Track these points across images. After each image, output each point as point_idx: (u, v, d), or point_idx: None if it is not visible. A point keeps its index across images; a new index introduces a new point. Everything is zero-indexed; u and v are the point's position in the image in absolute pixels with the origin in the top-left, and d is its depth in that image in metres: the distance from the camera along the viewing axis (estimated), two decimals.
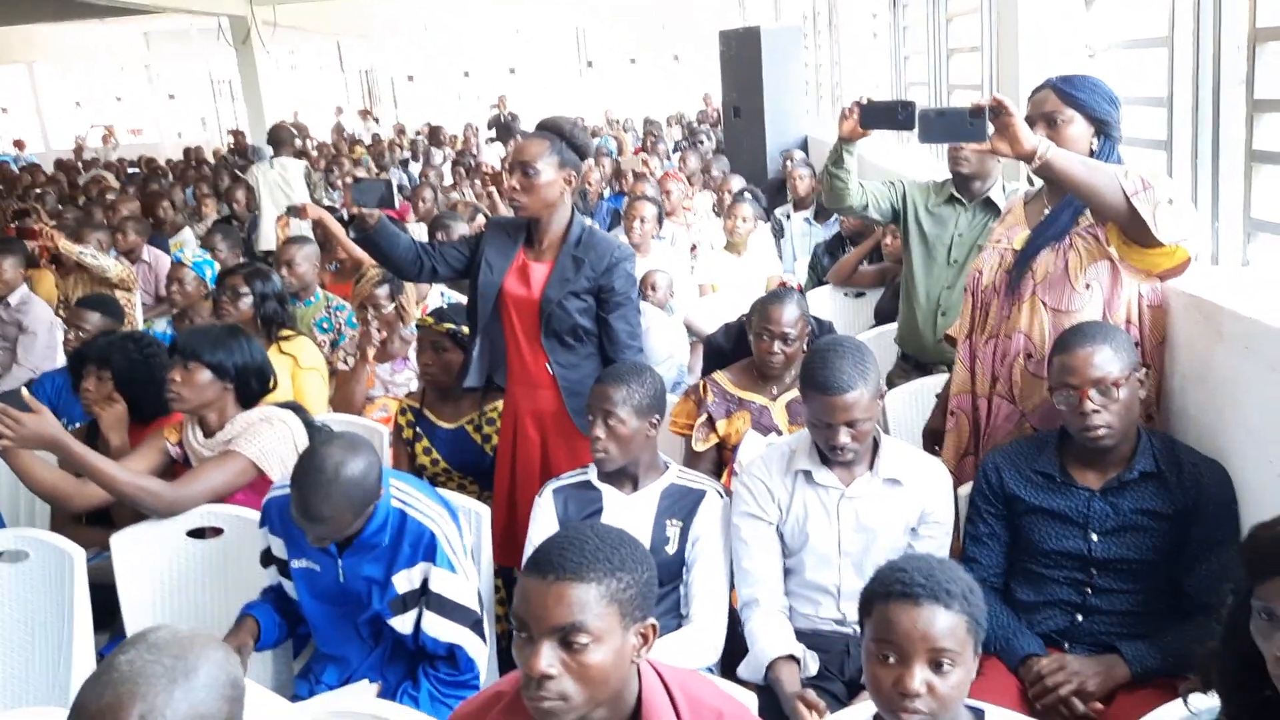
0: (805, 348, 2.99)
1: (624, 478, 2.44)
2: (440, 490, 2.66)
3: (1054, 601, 2.18)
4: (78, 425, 3.25)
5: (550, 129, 2.76)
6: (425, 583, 2.25)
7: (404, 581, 2.25)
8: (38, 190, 11.01)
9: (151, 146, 19.34)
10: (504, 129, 14.09)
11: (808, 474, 2.31)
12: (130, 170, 14.05)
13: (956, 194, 3.28)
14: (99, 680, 1.26)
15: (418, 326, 3.20)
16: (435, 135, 13.03)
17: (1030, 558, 2.20)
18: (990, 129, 2.08)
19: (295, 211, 5.12)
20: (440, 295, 4.47)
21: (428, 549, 2.25)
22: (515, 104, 15.24)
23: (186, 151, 15.75)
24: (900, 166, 5.16)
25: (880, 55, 6.46)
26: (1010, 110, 2.05)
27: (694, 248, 5.96)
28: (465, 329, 3.00)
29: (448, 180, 9.52)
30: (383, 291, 3.80)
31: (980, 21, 4.08)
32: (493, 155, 11.66)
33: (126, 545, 2.55)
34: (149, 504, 2.52)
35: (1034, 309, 2.34)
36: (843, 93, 7.34)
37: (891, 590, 1.45)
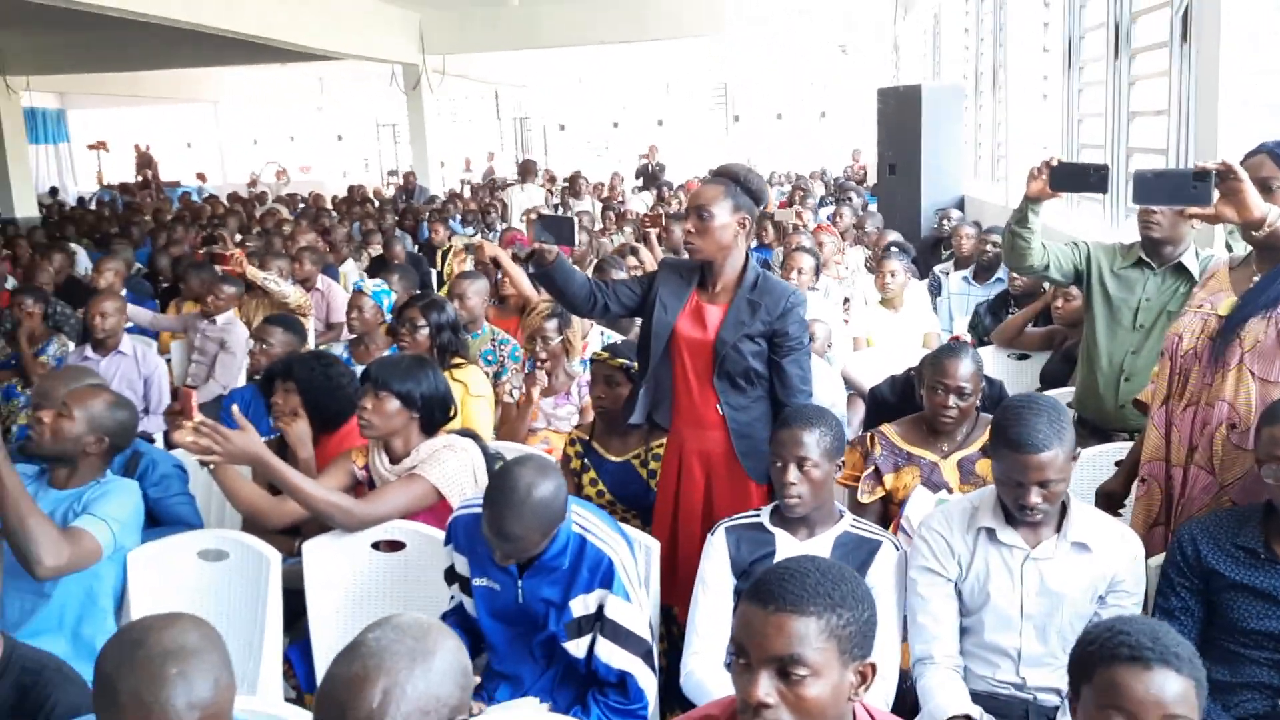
0: (979, 405, 2.96)
1: (799, 523, 2.44)
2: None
3: (1253, 684, 2.08)
4: (267, 439, 3.45)
5: (725, 175, 2.82)
6: (601, 609, 2.30)
7: (580, 606, 2.30)
8: (216, 219, 11.79)
9: (318, 183, 20.43)
10: (651, 178, 14.35)
11: (991, 532, 2.27)
12: (299, 204, 14.87)
13: (1145, 258, 3.19)
14: (350, 654, 1.34)
15: (592, 360, 3.29)
16: (574, 184, 13.39)
17: (1228, 636, 2.11)
18: (1215, 194, 2.03)
19: (473, 249, 5.33)
20: (600, 335, 4.58)
21: (605, 576, 2.30)
22: (663, 155, 15.52)
23: (350, 189, 16.59)
24: (1067, 227, 5.05)
25: (1051, 116, 6.34)
26: (1240, 175, 2.00)
27: (846, 302, 5.94)
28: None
29: (597, 225, 9.76)
30: (551, 325, 3.91)
31: (1170, 84, 3.98)
32: (640, 203, 11.88)
33: (316, 552, 2.69)
34: (339, 519, 2.65)
35: (1240, 378, 2.26)
36: (1006, 153, 7.22)
37: (1118, 653, 1.41)
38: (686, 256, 2.86)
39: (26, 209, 14.17)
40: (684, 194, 12.32)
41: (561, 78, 21.51)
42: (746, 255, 2.85)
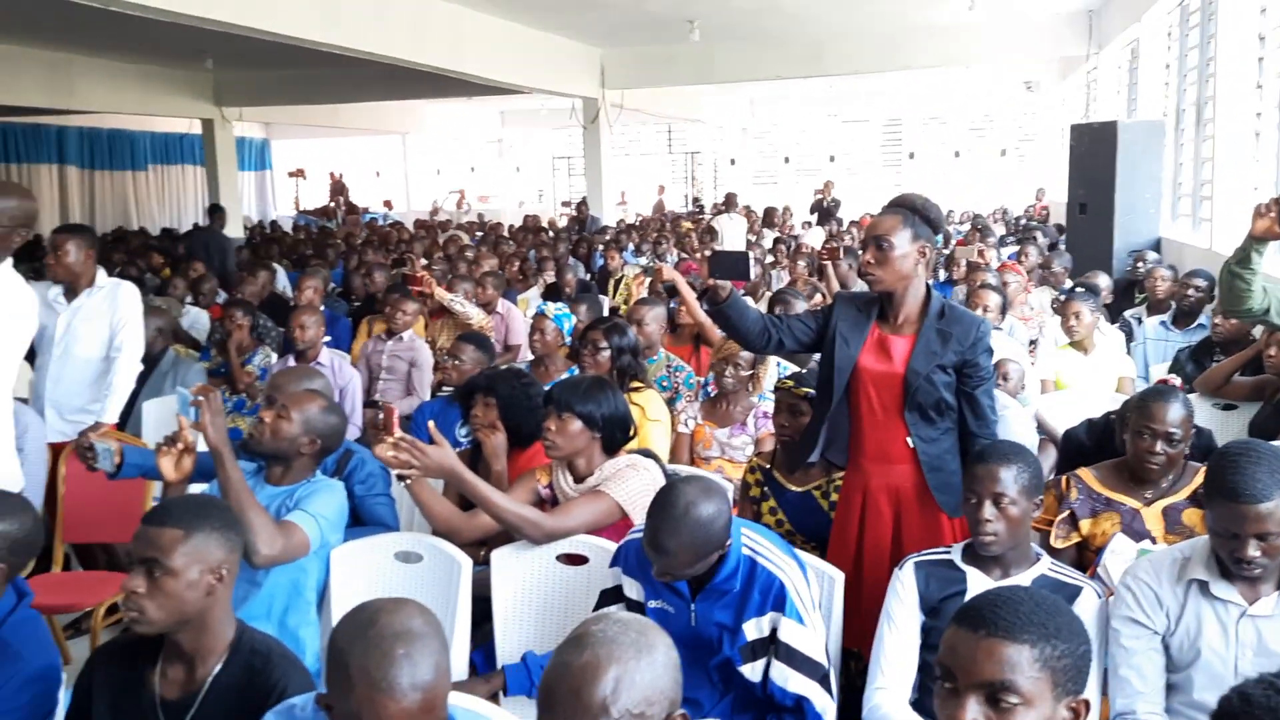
0: (1187, 452, 2.80)
1: (993, 562, 2.36)
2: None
3: None
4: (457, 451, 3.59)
5: (903, 204, 2.78)
6: (774, 632, 2.28)
7: (753, 629, 2.29)
8: (403, 243, 12.39)
9: (495, 212, 21.23)
10: (826, 214, 14.26)
11: (1204, 585, 2.14)
12: (477, 232, 15.48)
13: None
14: (578, 643, 1.38)
15: (776, 389, 3.28)
16: (769, 217, 13.45)
17: None
18: None
19: (654, 273, 5.42)
20: (777, 365, 4.57)
21: (777, 598, 2.28)
22: (836, 191, 15.41)
23: (526, 218, 17.16)
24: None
25: (1265, 155, 5.97)
26: None
27: (1033, 344, 5.73)
28: None
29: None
30: (747, 356, 3.91)
31: None
32: (815, 238, 11.83)
33: (504, 561, 2.78)
34: (528, 531, 2.72)
35: None
36: (1211, 194, 6.83)
37: None
38: (865, 289, 2.83)
39: (234, 230, 15.25)
40: (857, 230, 12.19)
41: (735, 113, 21.67)
42: (928, 285, 2.81)
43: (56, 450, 4.00)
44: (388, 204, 21.55)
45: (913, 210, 2.74)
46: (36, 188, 17.04)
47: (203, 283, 8.12)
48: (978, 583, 2.35)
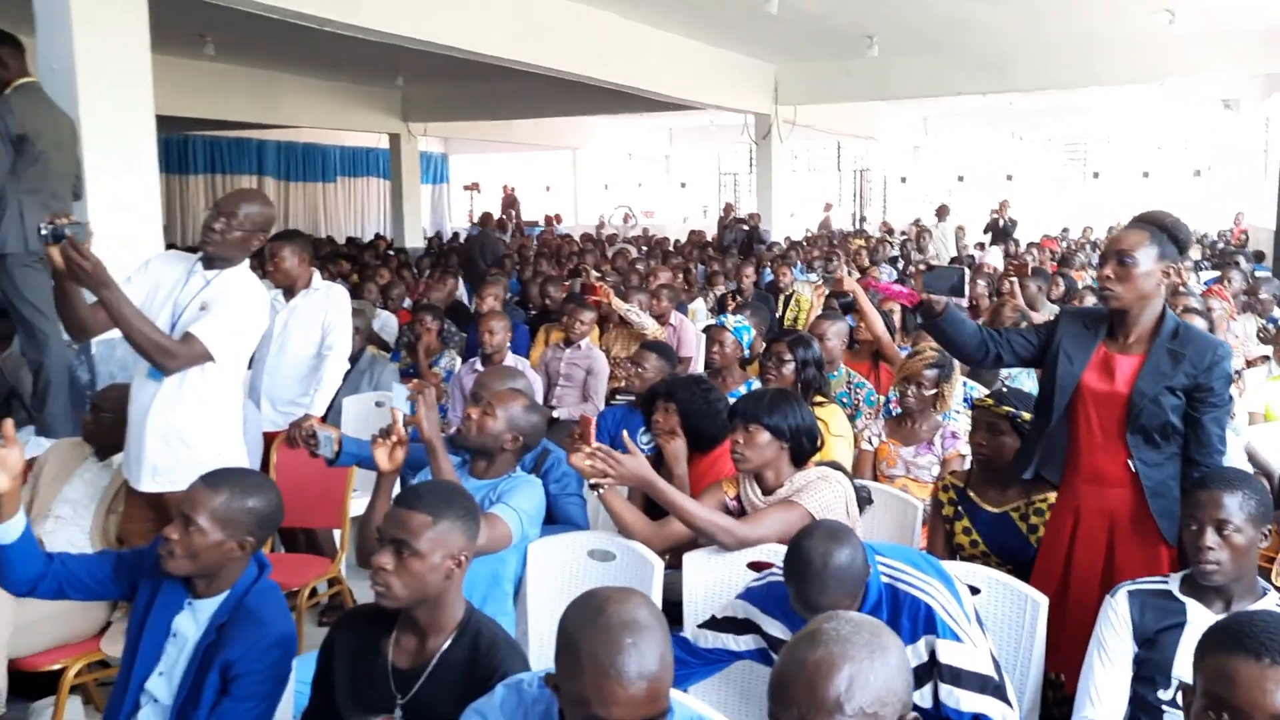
0: None
1: (1214, 593, 2.25)
2: (989, 571, 2.64)
3: None
4: None
5: (1151, 221, 2.67)
6: (933, 655, 2.22)
7: (911, 656, 2.23)
8: (574, 254, 12.69)
9: (660, 227, 21.47)
10: (1002, 233, 13.83)
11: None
12: (643, 246, 15.73)
13: None
14: (811, 640, 1.39)
15: (974, 406, 3.21)
16: (919, 239, 13.19)
17: None
18: None
19: (832, 282, 5.39)
20: (963, 384, 4.46)
21: (927, 621, 2.21)
22: (1014, 210, 14.91)
23: (691, 233, 17.31)
24: None
25: None
26: None
27: (1238, 374, 5.40)
28: (1025, 414, 2.97)
29: None
30: (930, 374, 3.84)
31: None
32: (995, 258, 11.48)
33: (697, 564, 2.81)
34: (721, 538, 2.75)
35: None
36: None
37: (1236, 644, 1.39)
38: (1099, 303, 2.73)
39: (414, 240, 15.99)
40: (1036, 251, 11.77)
41: (908, 130, 21.26)
42: (1164, 304, 2.69)
43: (269, 438, 4.29)
44: (557, 218, 22.12)
45: (1161, 228, 2.64)
46: None
47: (391, 288, 8.53)
48: (1199, 616, 2.23)
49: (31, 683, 3.28)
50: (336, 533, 4.27)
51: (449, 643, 1.98)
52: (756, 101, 13.02)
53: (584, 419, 2.83)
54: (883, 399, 4.58)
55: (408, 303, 8.67)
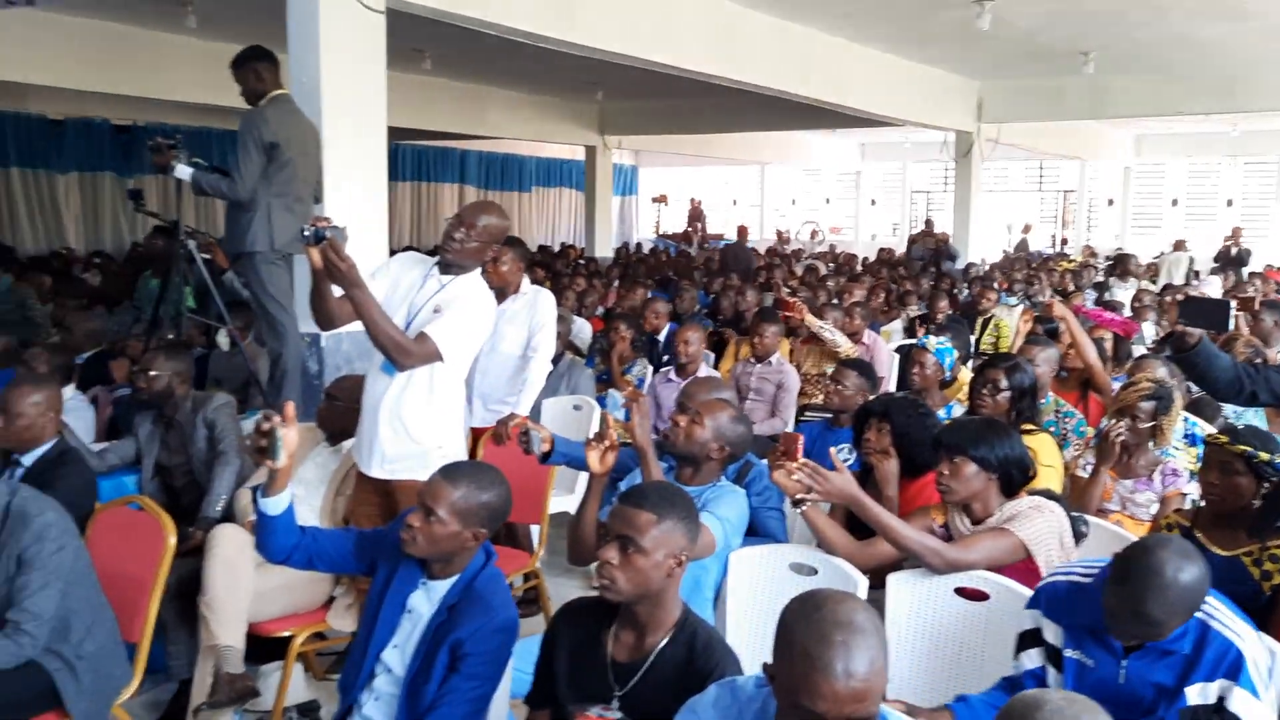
0: None
1: None
2: None
3: None
4: None
5: None
6: (1221, 701, 2.12)
7: (1198, 694, 2.14)
8: (761, 268, 12.70)
9: (847, 244, 21.19)
10: (1235, 262, 12.96)
11: None
12: (830, 263, 15.57)
13: None
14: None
15: (1206, 443, 3.05)
16: (1123, 263, 12.48)
17: None
18: None
19: (1040, 307, 5.23)
20: (1183, 420, 4.23)
21: (1232, 666, 2.12)
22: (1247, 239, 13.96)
23: (880, 251, 17.01)
24: None
25: None
26: None
27: None
28: (1263, 454, 2.80)
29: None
30: (1148, 406, 3.67)
31: None
32: (1213, 288, 10.78)
33: (901, 586, 2.79)
34: (929, 560, 2.71)
35: None
36: None
37: None
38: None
39: (604, 251, 16.38)
40: (1260, 282, 10.98)
41: (1116, 150, 20.19)
42: None
43: (477, 434, 4.51)
44: (742, 230, 22.13)
45: None
46: (440, 203, 19.27)
47: (586, 296, 8.79)
48: None
49: (260, 648, 3.56)
50: (534, 529, 4.44)
51: (666, 640, 2.04)
52: (958, 119, 12.69)
53: (790, 436, 2.84)
54: (1092, 430, 4.40)
55: (600, 311, 8.92)
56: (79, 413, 4.60)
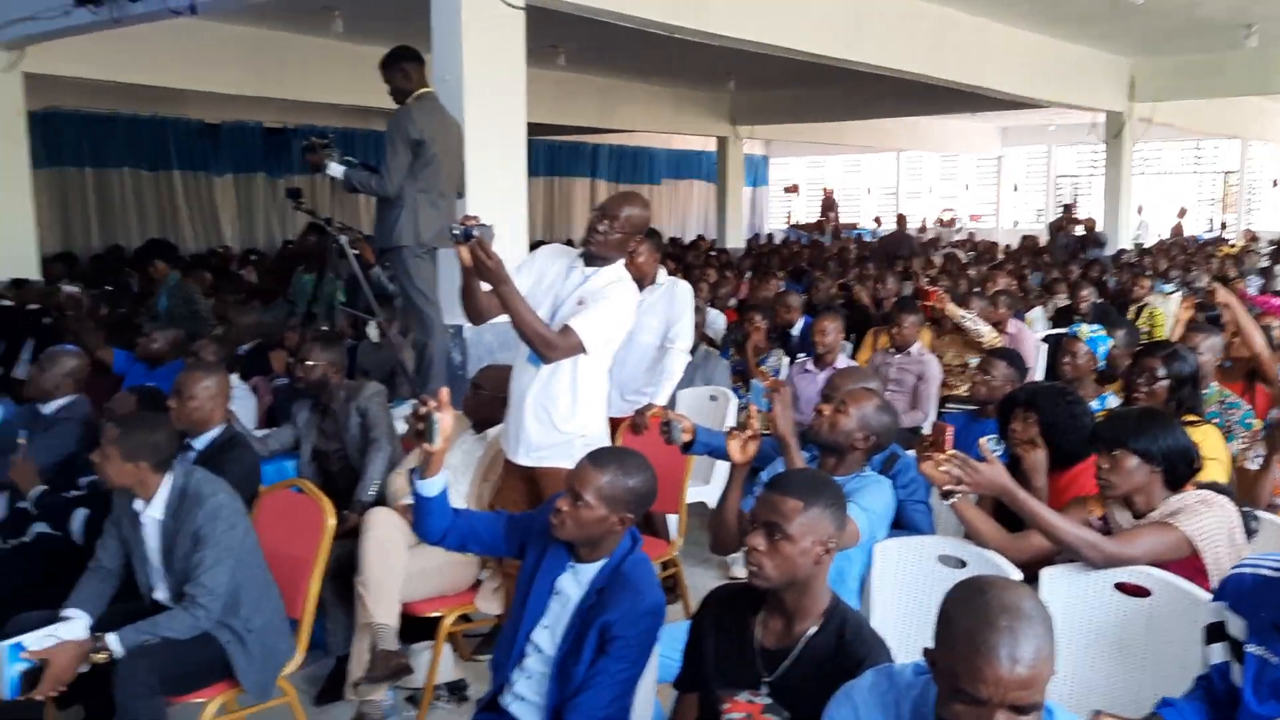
0: None
1: None
2: None
3: None
4: None
5: None
6: None
7: None
8: (898, 259, 12.44)
9: (987, 232, 20.55)
10: None
11: None
12: (970, 251, 15.13)
13: None
14: None
15: None
16: None
17: None
18: None
19: (1201, 294, 4.98)
20: None
21: None
22: None
23: (1023, 239, 16.44)
24: None
25: None
26: None
27: None
28: None
29: None
30: None
31: None
32: None
33: (1056, 581, 2.69)
34: (1086, 553, 2.61)
35: None
36: None
37: None
38: None
39: (735, 242, 16.32)
40: None
41: None
42: None
43: (614, 424, 4.56)
44: (878, 220, 21.72)
45: None
46: (572, 198, 19.53)
47: (719, 287, 8.78)
48: None
49: (410, 628, 3.69)
50: (672, 518, 4.46)
51: (816, 628, 2.03)
52: (1108, 99, 12.11)
53: (939, 426, 2.79)
54: (1260, 422, 4.16)
55: (733, 302, 8.89)
56: (241, 401, 4.86)
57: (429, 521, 2.43)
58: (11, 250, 8.17)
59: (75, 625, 2.91)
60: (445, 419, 2.29)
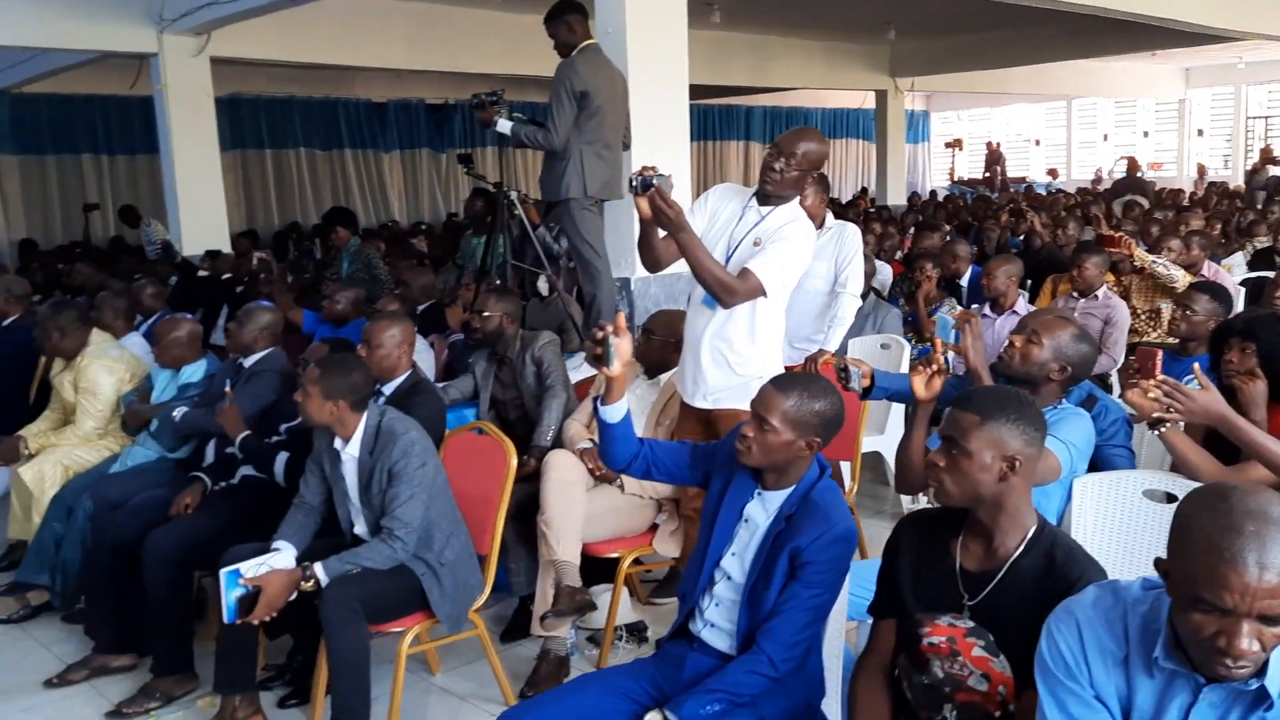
0: None
1: None
2: None
3: None
4: None
5: None
6: None
7: None
8: (1066, 210, 11.82)
9: (1169, 181, 19.30)
10: None
11: None
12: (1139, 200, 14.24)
13: None
14: None
15: None
16: None
17: None
18: None
19: None
20: None
21: None
22: None
23: (1210, 185, 15.37)
24: None
25: None
26: None
27: None
28: None
29: None
30: None
31: None
32: None
33: None
34: None
35: None
36: None
37: None
38: None
39: (896, 199, 15.86)
40: None
41: None
42: None
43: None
44: (1052, 172, 20.71)
45: None
46: (725, 161, 19.40)
47: (885, 240, 8.55)
48: None
49: (589, 570, 3.75)
50: (845, 465, 4.38)
51: (1021, 549, 1.95)
52: None
53: (1146, 351, 2.63)
54: None
55: (899, 255, 8.65)
56: (421, 356, 5.02)
57: (614, 448, 2.45)
58: (206, 223, 8.74)
59: (284, 555, 3.08)
60: (623, 344, 2.30)
